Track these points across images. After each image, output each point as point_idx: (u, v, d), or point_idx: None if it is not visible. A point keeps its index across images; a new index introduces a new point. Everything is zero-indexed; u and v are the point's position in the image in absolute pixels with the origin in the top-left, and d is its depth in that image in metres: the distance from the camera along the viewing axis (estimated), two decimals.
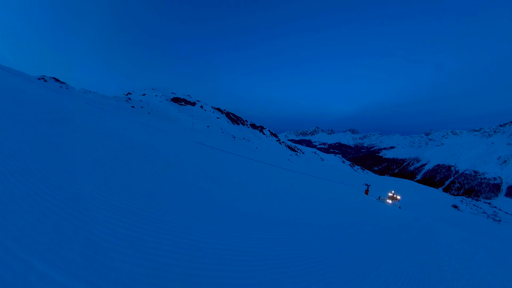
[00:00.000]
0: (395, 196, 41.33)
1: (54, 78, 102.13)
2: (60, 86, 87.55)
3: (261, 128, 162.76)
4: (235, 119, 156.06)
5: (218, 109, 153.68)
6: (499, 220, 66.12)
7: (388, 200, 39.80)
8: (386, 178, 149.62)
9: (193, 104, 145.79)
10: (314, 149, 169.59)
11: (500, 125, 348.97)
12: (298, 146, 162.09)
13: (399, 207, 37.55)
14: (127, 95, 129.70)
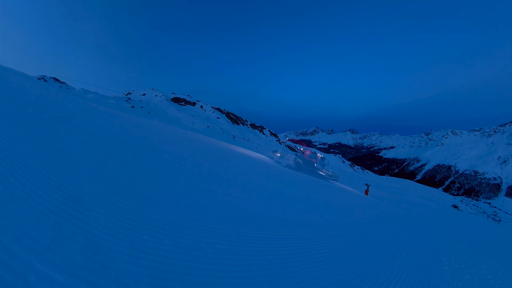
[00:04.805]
0: (301, 148, 27.57)
1: (54, 78, 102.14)
2: (60, 86, 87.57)
3: (261, 128, 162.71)
4: (235, 119, 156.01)
5: (218, 109, 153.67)
6: (499, 220, 66.11)
7: (276, 154, 27.90)
8: (386, 178, 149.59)
9: (193, 104, 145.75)
10: (314, 149, 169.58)
11: (500, 125, 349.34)
12: (298, 146, 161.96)
13: (325, 173, 24.23)
14: (127, 95, 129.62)
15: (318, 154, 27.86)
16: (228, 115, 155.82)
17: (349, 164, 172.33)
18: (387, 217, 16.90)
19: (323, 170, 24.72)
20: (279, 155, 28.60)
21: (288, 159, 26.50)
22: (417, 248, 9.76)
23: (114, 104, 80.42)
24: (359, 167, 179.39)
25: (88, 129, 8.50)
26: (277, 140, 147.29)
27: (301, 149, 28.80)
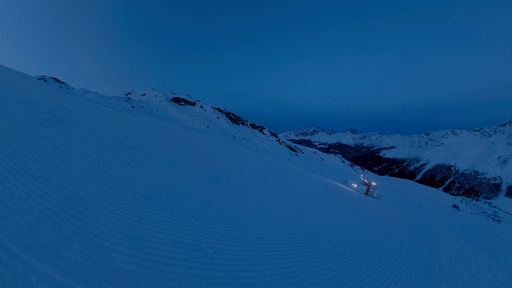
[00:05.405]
0: (366, 181, 41.12)
1: (54, 78, 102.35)
2: (60, 86, 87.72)
3: (261, 128, 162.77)
4: (235, 119, 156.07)
5: (218, 109, 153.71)
6: (499, 220, 66.25)
7: (353, 184, 40.75)
8: (386, 178, 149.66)
9: (193, 104, 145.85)
10: (314, 149, 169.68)
11: (500, 125, 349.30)
12: (298, 146, 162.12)
13: (375, 194, 38.20)
14: (127, 95, 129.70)
15: (373, 183, 40.81)
16: (228, 115, 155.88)
17: (349, 164, 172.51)
18: (387, 217, 16.89)
19: (374, 193, 37.82)
20: (356, 186, 40.12)
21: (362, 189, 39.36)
22: (417, 248, 9.77)
23: (114, 104, 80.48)
24: (359, 167, 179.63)
25: (88, 129, 8.51)
26: (277, 140, 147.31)
27: (367, 182, 41.26)
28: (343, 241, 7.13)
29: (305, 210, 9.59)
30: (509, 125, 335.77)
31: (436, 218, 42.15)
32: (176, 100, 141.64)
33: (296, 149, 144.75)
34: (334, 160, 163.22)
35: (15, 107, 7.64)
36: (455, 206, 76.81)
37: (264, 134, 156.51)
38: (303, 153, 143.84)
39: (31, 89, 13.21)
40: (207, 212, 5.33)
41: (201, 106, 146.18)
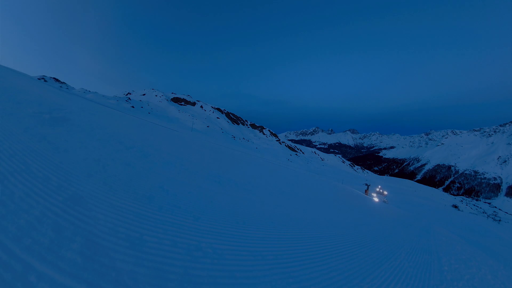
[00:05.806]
0: (381, 191, 47.97)
1: (54, 78, 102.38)
2: (60, 86, 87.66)
3: (261, 128, 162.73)
4: (235, 119, 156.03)
5: (218, 109, 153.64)
6: (499, 220, 66.29)
7: (373, 194, 46.06)
8: (386, 178, 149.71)
9: (193, 104, 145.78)
10: (314, 149, 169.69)
11: (500, 125, 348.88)
12: (298, 146, 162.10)
13: (385, 200, 44.03)
14: (127, 95, 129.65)
15: (385, 192, 46.84)
16: (228, 115, 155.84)
17: (349, 164, 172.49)
18: (387, 217, 16.90)
19: (384, 198, 43.42)
20: (375, 195, 46.30)
21: (378, 198, 45.82)
22: (417, 248, 9.76)
23: (114, 104, 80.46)
24: (359, 167, 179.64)
25: (88, 129, 8.50)
26: (277, 140, 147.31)
27: (381, 191, 47.75)
28: (343, 241, 7.13)
29: (305, 210, 9.59)
30: (509, 125, 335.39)
31: (436, 218, 42.21)
32: (176, 100, 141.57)
33: (296, 149, 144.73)
34: (334, 160, 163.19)
35: (15, 107, 7.64)
36: (455, 206, 76.84)
37: (264, 134, 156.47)
38: (303, 153, 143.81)
39: (31, 89, 13.21)
40: (207, 212, 5.33)
41: (201, 106, 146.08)
